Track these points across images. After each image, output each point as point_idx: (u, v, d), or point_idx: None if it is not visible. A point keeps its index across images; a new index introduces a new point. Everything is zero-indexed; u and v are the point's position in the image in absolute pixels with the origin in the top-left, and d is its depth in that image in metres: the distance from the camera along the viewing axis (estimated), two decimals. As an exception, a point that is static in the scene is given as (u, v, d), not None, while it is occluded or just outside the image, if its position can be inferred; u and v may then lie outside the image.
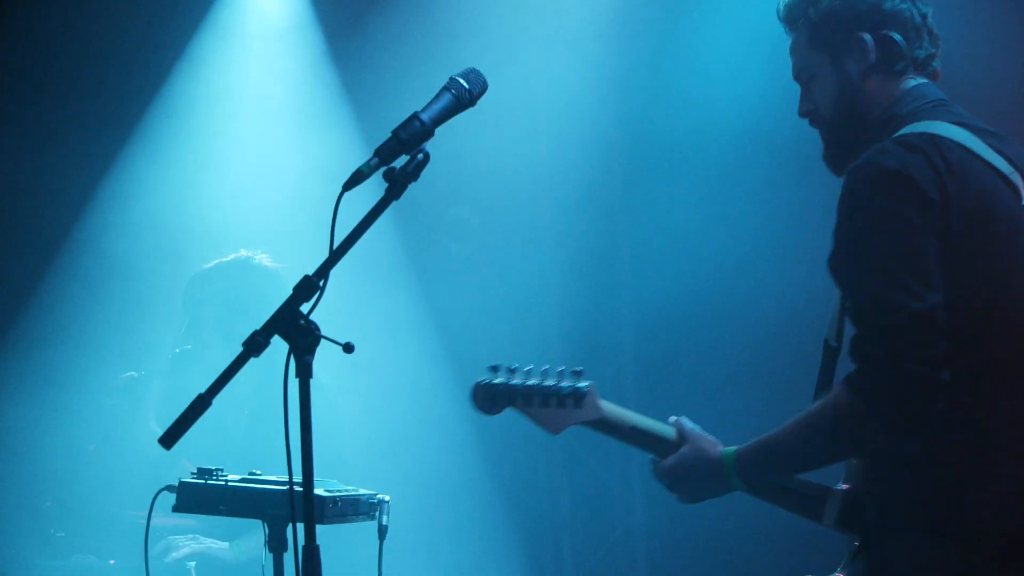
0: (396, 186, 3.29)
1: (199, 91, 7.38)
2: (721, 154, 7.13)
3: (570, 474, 7.88)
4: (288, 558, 3.57)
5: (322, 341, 3.15)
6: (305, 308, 3.15)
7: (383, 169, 3.28)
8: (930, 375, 3.22)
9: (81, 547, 6.14)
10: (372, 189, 3.29)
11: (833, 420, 3.33)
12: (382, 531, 3.89)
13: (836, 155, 3.72)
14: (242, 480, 3.94)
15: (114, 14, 7.18)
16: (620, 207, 7.48)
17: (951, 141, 3.43)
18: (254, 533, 3.97)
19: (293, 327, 3.13)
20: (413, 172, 3.32)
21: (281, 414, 3.13)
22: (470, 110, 3.46)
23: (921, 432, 3.28)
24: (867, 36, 3.65)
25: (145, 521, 4.07)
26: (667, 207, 7.12)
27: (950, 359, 3.25)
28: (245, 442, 5.66)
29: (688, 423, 3.67)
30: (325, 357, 3.19)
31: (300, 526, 3.11)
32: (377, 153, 3.29)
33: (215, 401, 3.11)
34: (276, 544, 3.82)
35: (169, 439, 3.13)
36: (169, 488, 3.97)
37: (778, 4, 3.79)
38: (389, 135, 3.31)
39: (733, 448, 3.53)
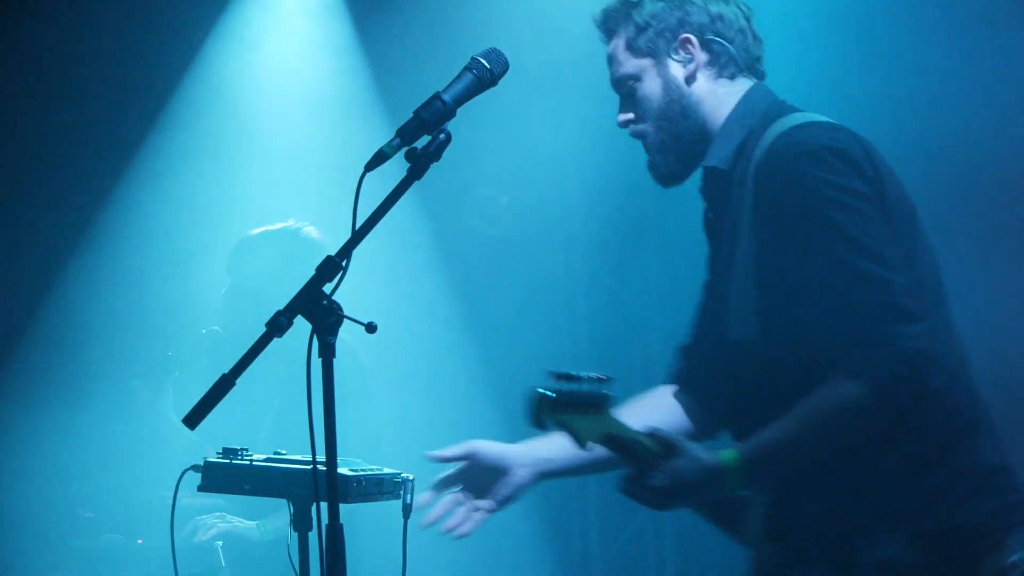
0: (418, 166, 3.29)
1: (223, 76, 7.39)
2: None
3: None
4: (313, 537, 3.58)
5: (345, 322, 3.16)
6: (328, 288, 3.15)
7: (405, 149, 3.28)
8: (931, 347, 3.18)
9: (109, 527, 6.19)
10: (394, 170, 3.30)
11: (842, 412, 3.21)
12: (406, 510, 3.89)
13: (665, 164, 3.64)
14: (267, 460, 3.95)
15: (135, 4, 7.21)
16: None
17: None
18: (281, 512, 3.98)
19: (316, 307, 3.13)
20: (435, 152, 3.31)
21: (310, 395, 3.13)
22: (493, 89, 3.45)
23: (929, 415, 3.23)
24: (693, 38, 3.60)
25: (171, 501, 4.08)
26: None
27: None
28: (276, 425, 5.69)
29: (667, 433, 3.32)
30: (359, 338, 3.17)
31: (324, 506, 3.13)
32: (399, 133, 3.28)
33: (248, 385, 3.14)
34: (301, 523, 3.83)
35: (193, 419, 3.14)
36: (195, 468, 3.98)
37: (594, 11, 3.70)
38: (411, 115, 3.31)
39: (731, 451, 3.29)
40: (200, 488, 3.97)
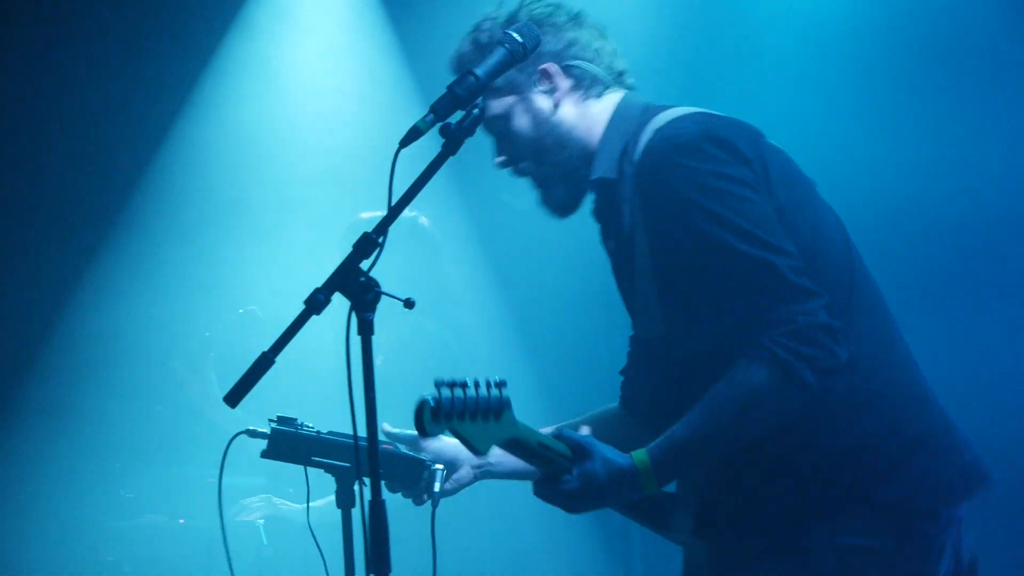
0: (452, 141, 3.30)
1: (256, 49, 7.38)
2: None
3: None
4: (356, 514, 3.59)
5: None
6: (365, 265, 3.15)
7: (439, 125, 3.28)
8: (831, 322, 3.17)
9: (150, 507, 6.23)
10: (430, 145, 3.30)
11: (748, 398, 3.16)
12: (435, 498, 3.89)
13: (556, 196, 3.60)
14: (331, 433, 3.96)
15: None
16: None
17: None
18: (332, 496, 3.99)
19: (354, 284, 3.13)
20: (469, 127, 3.32)
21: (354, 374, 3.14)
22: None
23: (835, 389, 3.21)
24: (551, 67, 3.55)
25: (214, 480, 4.09)
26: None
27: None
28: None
29: (578, 435, 3.29)
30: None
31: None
32: (433, 109, 3.28)
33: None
34: (344, 500, 3.84)
35: (233, 398, 3.16)
36: (249, 432, 3.99)
37: (449, 58, 3.62)
38: (445, 91, 3.31)
39: (642, 451, 3.24)
40: (263, 454, 3.96)
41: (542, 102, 3.55)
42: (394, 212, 3.21)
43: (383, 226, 3.18)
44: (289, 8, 7.42)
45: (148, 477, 6.37)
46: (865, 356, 3.29)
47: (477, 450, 3.09)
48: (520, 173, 3.61)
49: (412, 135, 3.24)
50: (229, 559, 4.02)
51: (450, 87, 3.31)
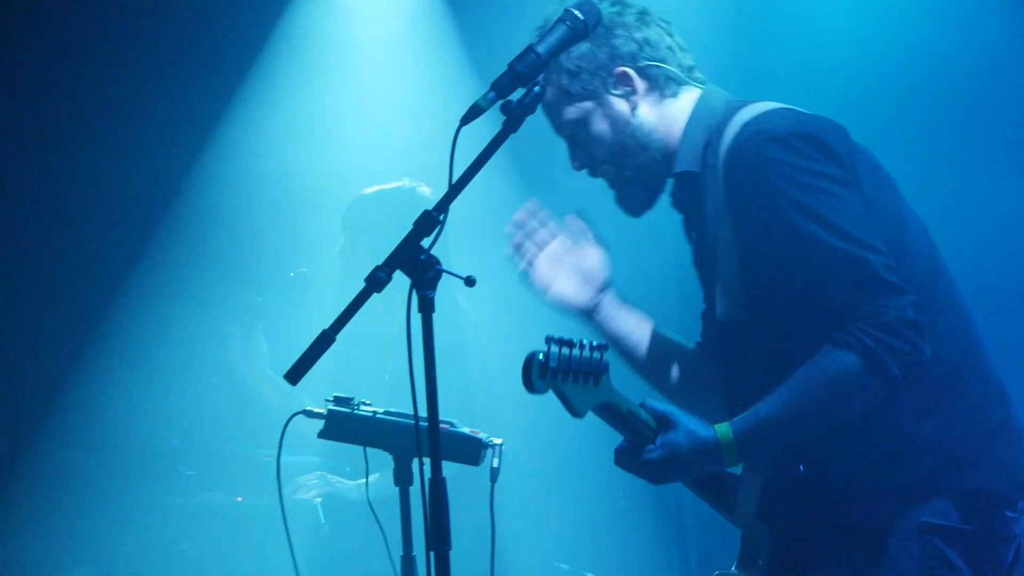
0: (513, 119, 3.29)
1: (311, 31, 7.39)
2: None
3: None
4: (415, 492, 3.60)
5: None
6: (426, 243, 3.15)
7: (500, 103, 3.27)
8: (918, 318, 3.19)
9: (209, 485, 6.26)
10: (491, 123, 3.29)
11: (836, 382, 3.19)
12: (493, 473, 3.89)
13: (636, 198, 3.62)
14: (386, 413, 3.97)
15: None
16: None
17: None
18: (384, 473, 4.00)
19: (414, 262, 3.13)
20: (530, 105, 3.31)
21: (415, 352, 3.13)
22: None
23: (919, 380, 3.23)
24: (628, 70, 3.55)
25: (272, 458, 4.11)
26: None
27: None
28: (392, 385, 5.69)
29: (662, 405, 3.33)
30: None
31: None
32: (494, 87, 3.27)
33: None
34: (402, 478, 3.85)
35: (294, 375, 3.15)
36: (306, 413, 4.01)
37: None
38: (506, 68, 3.30)
39: (725, 425, 3.28)
40: (321, 434, 4.00)
41: (620, 106, 3.57)
42: (455, 189, 3.20)
43: (444, 204, 3.17)
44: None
45: (207, 454, 6.40)
46: (948, 351, 3.31)
47: (576, 411, 3.12)
48: (600, 176, 3.64)
49: (473, 113, 3.23)
50: (288, 537, 4.04)
51: (511, 64, 3.30)
